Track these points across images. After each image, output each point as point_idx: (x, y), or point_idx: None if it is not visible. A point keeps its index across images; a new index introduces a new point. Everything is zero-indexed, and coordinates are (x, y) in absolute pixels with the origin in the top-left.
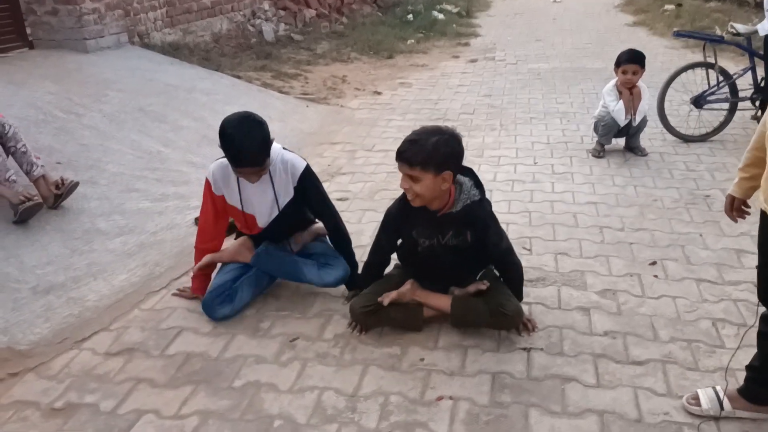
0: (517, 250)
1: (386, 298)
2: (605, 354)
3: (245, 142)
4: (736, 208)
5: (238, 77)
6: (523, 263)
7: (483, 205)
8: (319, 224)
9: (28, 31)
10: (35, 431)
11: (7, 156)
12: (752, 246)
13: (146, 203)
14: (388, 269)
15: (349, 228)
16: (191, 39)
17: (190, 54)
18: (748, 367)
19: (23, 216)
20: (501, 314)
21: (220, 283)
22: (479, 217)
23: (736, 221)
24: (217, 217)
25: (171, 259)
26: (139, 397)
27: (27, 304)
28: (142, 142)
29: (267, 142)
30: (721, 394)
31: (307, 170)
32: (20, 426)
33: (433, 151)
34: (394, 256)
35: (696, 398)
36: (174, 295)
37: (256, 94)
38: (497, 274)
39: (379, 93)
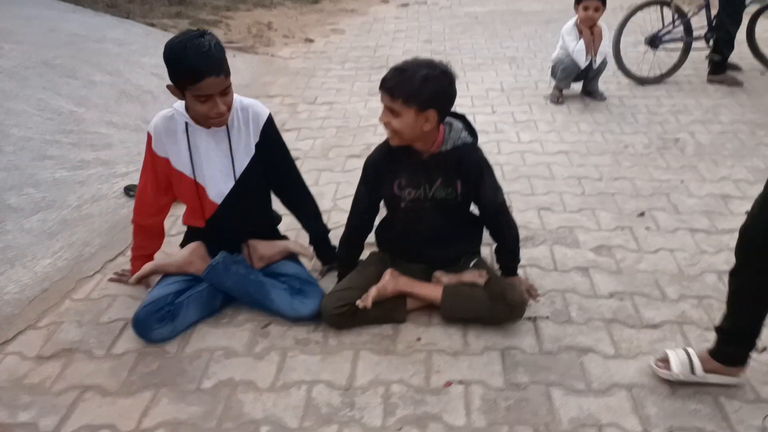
0: None
1: (367, 299)
2: (617, 318)
3: (200, 42)
4: None
5: (152, 25)
6: None
7: (477, 150)
8: (290, 242)
9: None
10: None
11: None
12: (736, 191)
13: (63, 172)
14: (363, 255)
15: None
16: None
17: (93, 1)
18: (718, 329)
19: None
20: (503, 303)
21: (160, 297)
22: (473, 162)
23: None
24: (158, 186)
25: (102, 236)
26: (88, 410)
27: None
28: (50, 101)
29: (220, 43)
30: (694, 357)
31: (271, 119)
32: None
33: (419, 86)
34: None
35: (665, 360)
36: (111, 280)
37: None
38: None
39: (311, 40)
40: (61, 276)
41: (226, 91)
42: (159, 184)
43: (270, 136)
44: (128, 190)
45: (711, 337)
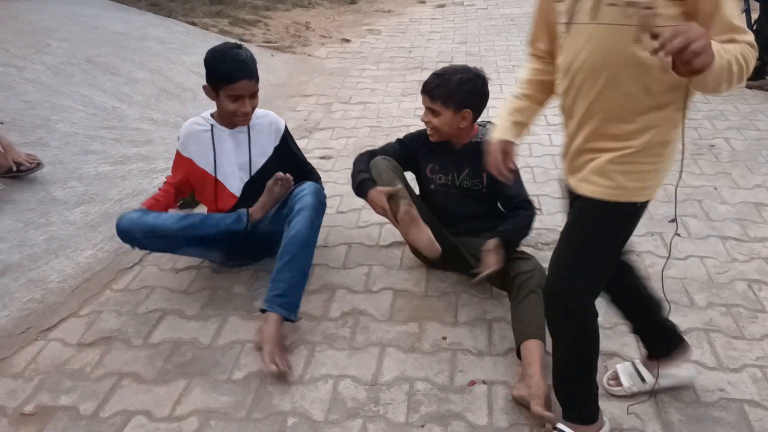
0: None
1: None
2: None
3: (237, 52)
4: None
5: (193, 24)
6: (536, 224)
7: None
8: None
9: None
10: None
11: None
12: None
13: (106, 167)
14: None
15: (337, 190)
16: None
17: None
18: (635, 333)
19: None
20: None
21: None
22: None
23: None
24: (180, 184)
25: None
26: (125, 396)
27: None
28: (94, 98)
29: (254, 56)
30: (640, 366)
31: (287, 126)
32: None
33: (455, 88)
34: None
35: (616, 378)
36: None
37: (214, 43)
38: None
39: (347, 41)
40: (102, 267)
41: (254, 95)
42: (181, 181)
43: (288, 141)
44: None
45: (738, 346)
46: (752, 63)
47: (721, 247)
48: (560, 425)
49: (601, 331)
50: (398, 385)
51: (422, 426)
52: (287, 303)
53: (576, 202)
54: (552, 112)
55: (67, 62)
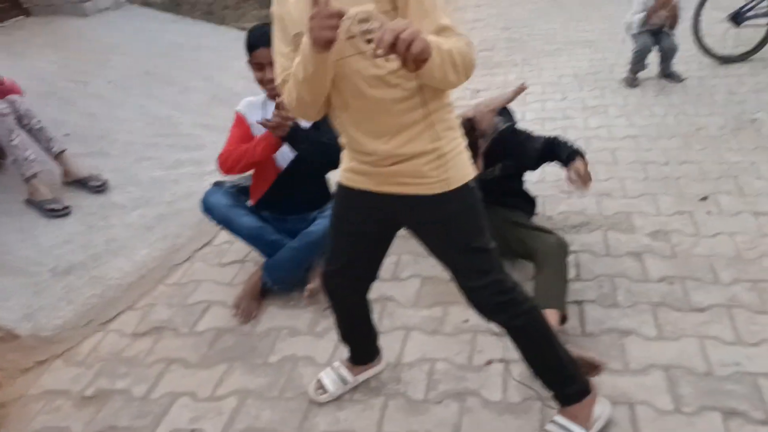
0: (554, 193)
1: None
2: (664, 302)
3: (262, 27)
4: None
5: (243, 29)
6: (563, 207)
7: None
8: None
9: None
10: (68, 422)
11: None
12: None
13: (160, 172)
14: None
15: None
16: None
17: (192, 9)
18: (346, 341)
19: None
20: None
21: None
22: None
23: None
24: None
25: (191, 229)
26: (172, 379)
27: (48, 287)
28: (151, 108)
29: None
30: (341, 369)
31: None
32: (52, 417)
33: None
34: None
35: (321, 386)
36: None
37: None
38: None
39: None
40: (156, 264)
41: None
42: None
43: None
44: (216, 186)
45: (761, 321)
46: (473, 55)
47: (753, 222)
48: (556, 418)
49: (620, 310)
50: (419, 366)
51: (439, 402)
52: (276, 274)
53: None
54: (591, 95)
55: (127, 75)
